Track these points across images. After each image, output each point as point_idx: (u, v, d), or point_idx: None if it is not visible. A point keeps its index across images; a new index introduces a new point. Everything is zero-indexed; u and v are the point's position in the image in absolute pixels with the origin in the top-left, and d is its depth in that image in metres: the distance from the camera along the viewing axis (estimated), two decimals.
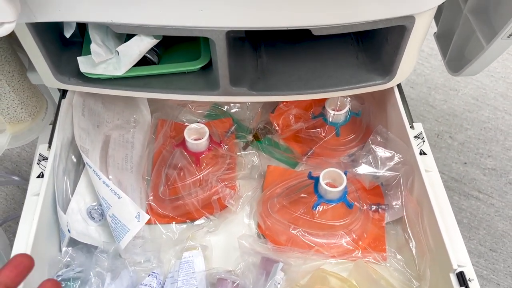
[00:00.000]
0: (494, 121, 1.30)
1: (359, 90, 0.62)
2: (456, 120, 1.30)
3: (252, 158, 0.71)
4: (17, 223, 1.18)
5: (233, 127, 0.75)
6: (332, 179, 0.61)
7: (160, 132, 0.74)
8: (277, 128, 0.73)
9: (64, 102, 0.66)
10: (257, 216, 0.67)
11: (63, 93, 0.67)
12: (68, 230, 0.57)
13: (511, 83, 1.37)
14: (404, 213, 0.60)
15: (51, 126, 0.73)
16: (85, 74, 0.61)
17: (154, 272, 0.59)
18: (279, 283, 0.55)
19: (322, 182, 0.59)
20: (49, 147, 0.63)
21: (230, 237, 0.66)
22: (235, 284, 0.58)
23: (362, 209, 0.63)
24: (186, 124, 0.69)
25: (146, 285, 0.58)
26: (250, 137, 0.73)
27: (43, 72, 0.62)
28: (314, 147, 0.71)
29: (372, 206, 0.65)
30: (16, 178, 1.25)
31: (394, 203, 0.61)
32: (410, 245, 0.58)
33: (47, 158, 0.61)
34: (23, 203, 1.24)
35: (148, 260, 0.62)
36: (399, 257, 0.60)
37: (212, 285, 0.59)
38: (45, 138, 0.69)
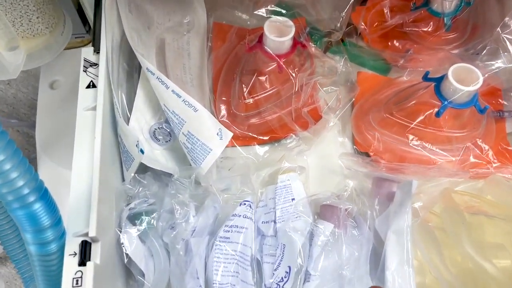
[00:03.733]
0: None
1: None
2: None
3: (340, 64, 0.57)
4: None
5: (307, 29, 0.60)
6: (457, 79, 0.48)
7: (217, 37, 0.60)
8: (363, 26, 0.59)
9: None
10: (355, 131, 0.55)
11: None
12: (141, 150, 0.44)
13: None
14: None
15: (66, 50, 0.60)
16: None
17: (247, 201, 0.47)
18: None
19: (452, 79, 0.47)
20: (95, 50, 0.48)
21: (323, 158, 0.54)
22: (347, 211, 0.47)
23: (490, 116, 0.52)
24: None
25: (239, 215, 0.46)
26: (338, 35, 0.59)
27: None
28: (413, 46, 0.58)
29: (494, 113, 0.54)
30: (14, 121, 1.11)
31: None
32: None
33: (95, 64, 0.47)
34: (26, 149, 1.11)
35: (229, 188, 0.50)
36: None
37: (316, 215, 0.48)
38: (53, 70, 0.62)
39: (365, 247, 0.45)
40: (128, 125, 0.49)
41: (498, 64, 0.50)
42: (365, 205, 0.48)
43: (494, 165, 0.51)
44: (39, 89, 0.86)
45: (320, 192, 0.48)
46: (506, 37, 0.51)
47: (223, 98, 0.55)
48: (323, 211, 0.47)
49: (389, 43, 0.60)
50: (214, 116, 0.55)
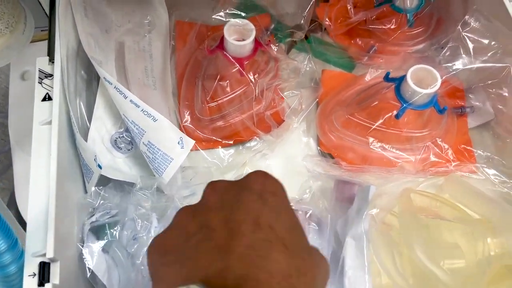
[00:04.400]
0: None
1: None
2: None
3: (304, 62, 0.57)
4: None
5: (272, 26, 0.60)
6: (417, 79, 0.48)
7: (180, 36, 0.59)
8: (327, 22, 0.59)
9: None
10: (318, 132, 0.55)
11: None
12: (99, 165, 0.44)
13: None
14: None
15: (32, 43, 0.56)
16: None
17: None
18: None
19: (410, 82, 0.47)
20: (51, 60, 0.47)
21: (288, 159, 0.54)
22: (308, 214, 0.47)
23: (450, 115, 0.52)
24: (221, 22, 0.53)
25: None
26: (300, 34, 0.58)
27: None
28: (377, 43, 0.58)
29: (455, 109, 0.54)
30: None
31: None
32: None
33: (50, 75, 0.46)
34: (2, 139, 1.10)
35: (194, 193, 0.50)
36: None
37: None
38: (23, 60, 0.60)
39: (326, 250, 0.46)
40: (88, 134, 0.48)
41: (457, 66, 0.50)
42: (327, 208, 0.48)
43: (453, 163, 0.51)
44: (10, 81, 0.84)
45: None
46: (466, 36, 0.51)
47: (186, 103, 0.55)
48: None
49: (352, 40, 0.59)
50: (179, 121, 0.55)
